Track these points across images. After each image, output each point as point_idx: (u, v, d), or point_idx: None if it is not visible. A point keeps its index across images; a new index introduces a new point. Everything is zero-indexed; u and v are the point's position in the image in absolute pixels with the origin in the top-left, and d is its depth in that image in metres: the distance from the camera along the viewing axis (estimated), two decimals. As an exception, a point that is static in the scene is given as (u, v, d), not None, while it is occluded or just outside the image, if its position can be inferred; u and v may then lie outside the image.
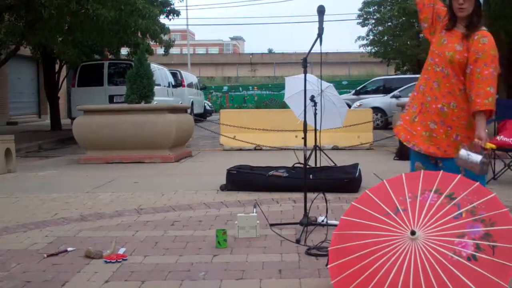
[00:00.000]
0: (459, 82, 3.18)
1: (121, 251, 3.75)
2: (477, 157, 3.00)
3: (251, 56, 50.27)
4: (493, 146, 3.12)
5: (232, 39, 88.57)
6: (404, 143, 3.38)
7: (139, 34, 15.08)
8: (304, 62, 4.19)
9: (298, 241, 3.91)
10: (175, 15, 17.09)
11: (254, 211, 4.25)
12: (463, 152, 3.03)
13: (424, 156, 3.35)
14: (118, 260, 3.55)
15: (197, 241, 4.04)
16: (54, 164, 8.98)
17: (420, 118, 3.30)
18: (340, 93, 12.34)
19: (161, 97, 14.26)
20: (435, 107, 3.23)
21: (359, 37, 29.34)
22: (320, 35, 4.12)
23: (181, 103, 16.58)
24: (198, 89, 23.60)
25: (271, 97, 31.83)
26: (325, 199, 4.24)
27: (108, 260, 3.54)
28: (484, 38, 3.13)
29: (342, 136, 10.81)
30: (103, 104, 13.16)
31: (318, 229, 4.22)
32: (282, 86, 28.39)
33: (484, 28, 3.19)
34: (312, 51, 4.22)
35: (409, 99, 3.46)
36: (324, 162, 7.42)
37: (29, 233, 4.37)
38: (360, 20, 28.91)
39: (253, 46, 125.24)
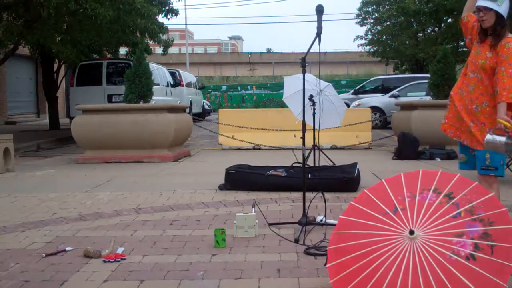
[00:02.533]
0: (491, 84, 3.58)
1: (120, 250, 3.75)
2: (501, 138, 3.36)
3: (249, 56, 50.18)
4: None
5: (230, 38, 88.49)
6: (454, 138, 3.82)
7: (137, 33, 15.06)
8: (303, 62, 4.19)
9: (296, 241, 3.91)
10: (173, 14, 17.06)
11: (253, 211, 4.25)
12: (489, 136, 3.41)
13: (467, 148, 3.77)
14: (117, 260, 3.55)
15: (195, 240, 4.04)
16: (53, 164, 8.97)
17: (463, 116, 3.71)
18: (339, 93, 12.34)
19: (159, 97, 14.26)
20: (470, 108, 3.67)
21: (357, 37, 29.37)
22: (318, 34, 4.12)
23: (179, 103, 16.58)
24: (196, 88, 23.60)
25: (269, 96, 31.80)
26: (324, 198, 4.24)
27: (107, 260, 3.54)
28: (510, 43, 3.51)
29: (341, 136, 10.82)
30: (102, 104, 13.17)
31: (317, 229, 4.22)
32: (280, 86, 28.36)
33: (510, 35, 3.57)
34: (310, 51, 4.22)
35: (449, 99, 3.89)
36: (322, 161, 7.42)
37: (28, 232, 4.37)
38: (359, 20, 28.93)
39: (252, 46, 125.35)
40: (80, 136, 9.17)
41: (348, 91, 22.67)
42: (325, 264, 2.88)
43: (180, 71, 21.28)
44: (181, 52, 51.02)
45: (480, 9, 3.51)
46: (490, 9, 3.48)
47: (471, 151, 3.74)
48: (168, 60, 29.68)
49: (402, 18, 25.38)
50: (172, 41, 17.73)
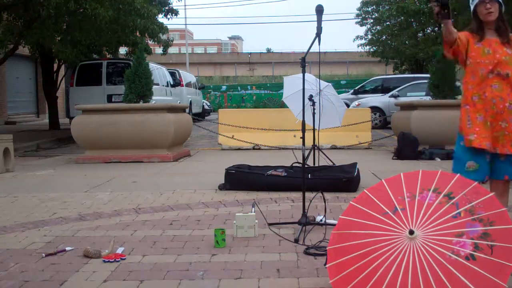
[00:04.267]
0: None
1: (120, 250, 3.75)
2: None
3: (249, 56, 50.20)
4: None
5: (230, 38, 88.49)
6: (490, 151, 3.39)
7: (137, 33, 15.06)
8: (303, 62, 4.19)
9: (296, 241, 3.91)
10: (173, 14, 17.07)
11: (253, 211, 4.25)
12: None
13: (481, 154, 3.39)
14: (117, 260, 3.55)
15: (195, 240, 4.03)
16: (53, 164, 8.97)
17: (491, 121, 3.40)
18: (339, 93, 12.34)
19: (159, 97, 14.26)
20: (503, 107, 3.36)
21: (357, 37, 29.39)
22: (318, 34, 4.12)
23: (179, 103, 16.58)
24: (196, 88, 23.60)
25: (269, 96, 31.79)
26: (324, 198, 4.24)
27: (107, 260, 3.54)
28: None
29: (341, 136, 10.82)
30: (102, 104, 13.17)
31: (317, 229, 4.22)
32: (280, 86, 28.37)
33: None
34: (310, 51, 4.22)
35: (463, 115, 3.51)
36: (322, 161, 7.42)
37: (28, 232, 4.37)
38: (359, 20, 28.95)
39: (252, 46, 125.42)
40: (80, 136, 9.17)
41: (348, 91, 22.67)
42: (325, 264, 2.88)
43: (180, 71, 21.28)
44: (180, 52, 51.03)
45: (485, 1, 3.36)
46: (496, 1, 3.37)
47: (487, 157, 3.39)
48: (168, 60, 29.67)
49: (402, 18, 25.39)
50: (172, 41, 17.73)
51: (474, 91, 3.43)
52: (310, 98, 6.85)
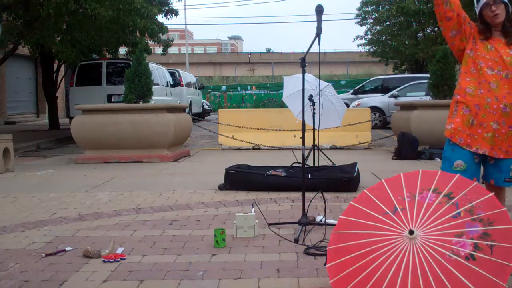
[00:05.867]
0: None
1: (119, 250, 3.75)
2: None
3: (249, 56, 50.22)
4: None
5: (230, 38, 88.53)
6: (464, 147, 3.28)
7: (137, 33, 15.07)
8: (303, 62, 4.20)
9: (296, 241, 3.91)
10: (173, 14, 17.06)
11: (252, 211, 4.25)
12: None
13: (471, 155, 3.28)
14: (117, 260, 3.55)
15: (195, 240, 4.03)
16: (52, 164, 8.97)
17: (479, 120, 3.27)
18: (339, 93, 12.34)
19: (159, 97, 14.27)
20: (496, 107, 3.22)
21: (357, 37, 29.41)
22: (318, 34, 4.12)
23: (179, 103, 16.58)
24: (196, 88, 23.61)
25: (269, 96, 31.82)
26: (323, 198, 4.24)
27: (107, 260, 3.54)
28: None
29: (341, 136, 10.83)
30: (102, 104, 13.18)
31: (317, 229, 4.22)
32: (280, 86, 28.38)
33: None
34: (310, 51, 4.22)
35: (452, 103, 3.44)
36: (322, 161, 7.42)
37: (27, 232, 4.37)
38: (359, 20, 28.96)
39: (252, 46, 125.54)
40: (80, 136, 9.17)
41: (348, 91, 22.68)
42: (325, 264, 2.88)
43: (180, 71, 21.29)
44: (180, 52, 51.06)
45: (490, 3, 3.27)
46: (501, 2, 3.28)
47: (475, 157, 3.28)
48: (167, 60, 29.71)
49: (402, 18, 25.41)
50: (172, 41, 17.73)
51: (471, 83, 3.31)
52: (310, 98, 6.85)
